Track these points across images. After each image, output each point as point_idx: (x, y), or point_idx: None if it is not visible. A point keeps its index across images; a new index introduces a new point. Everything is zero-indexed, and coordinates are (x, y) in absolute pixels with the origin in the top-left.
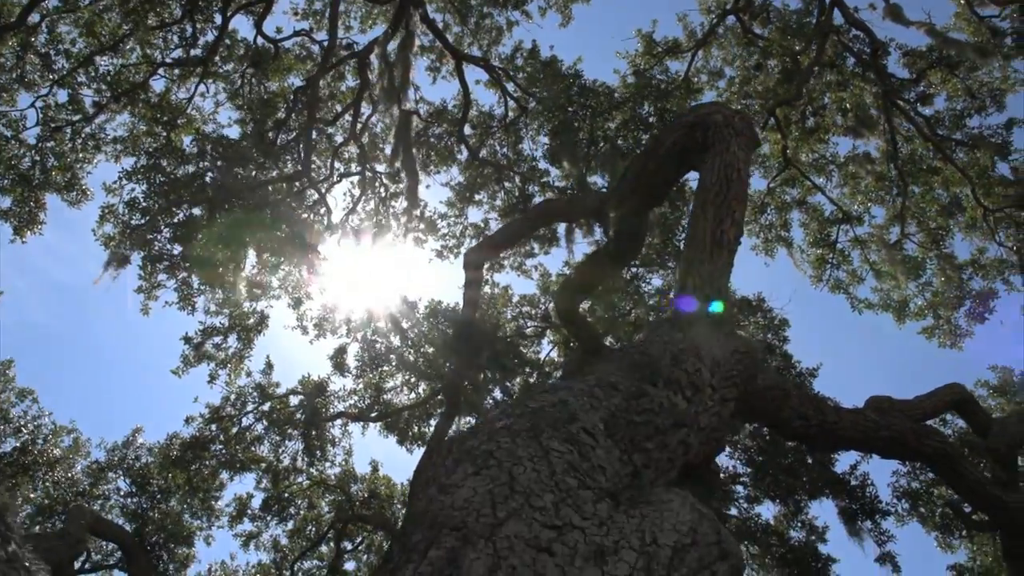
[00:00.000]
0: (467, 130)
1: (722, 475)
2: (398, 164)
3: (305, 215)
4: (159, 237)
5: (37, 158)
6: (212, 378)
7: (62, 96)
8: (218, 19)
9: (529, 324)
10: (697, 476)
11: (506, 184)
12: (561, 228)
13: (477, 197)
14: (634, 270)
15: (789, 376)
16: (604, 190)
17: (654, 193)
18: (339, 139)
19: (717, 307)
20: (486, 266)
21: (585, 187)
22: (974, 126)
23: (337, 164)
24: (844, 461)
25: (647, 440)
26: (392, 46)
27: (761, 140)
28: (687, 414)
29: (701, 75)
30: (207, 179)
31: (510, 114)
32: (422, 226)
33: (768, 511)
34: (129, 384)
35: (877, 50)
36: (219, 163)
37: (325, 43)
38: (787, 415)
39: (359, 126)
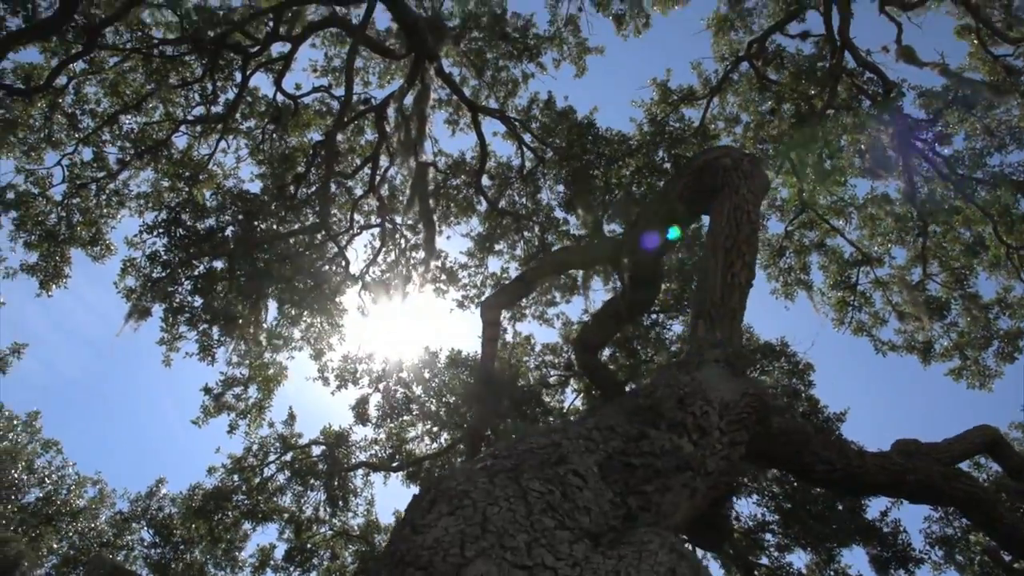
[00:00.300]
0: (485, 181)
1: (751, 523)
2: (415, 215)
3: (325, 267)
4: (180, 289)
5: (63, 214)
6: (232, 428)
7: (87, 154)
8: (238, 77)
9: (552, 373)
10: (707, 521)
11: (525, 233)
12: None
13: (497, 247)
14: (654, 316)
15: (816, 421)
16: (619, 237)
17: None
18: (359, 192)
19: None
20: (506, 315)
21: (600, 234)
22: (995, 164)
23: (357, 217)
24: (875, 507)
25: (645, 483)
26: (408, 99)
27: (772, 183)
28: (693, 457)
29: (718, 122)
30: (227, 232)
31: (527, 164)
32: (443, 276)
33: (800, 560)
34: (155, 436)
35: (890, 91)
36: (239, 216)
37: (337, 95)
38: (809, 460)
39: (378, 179)
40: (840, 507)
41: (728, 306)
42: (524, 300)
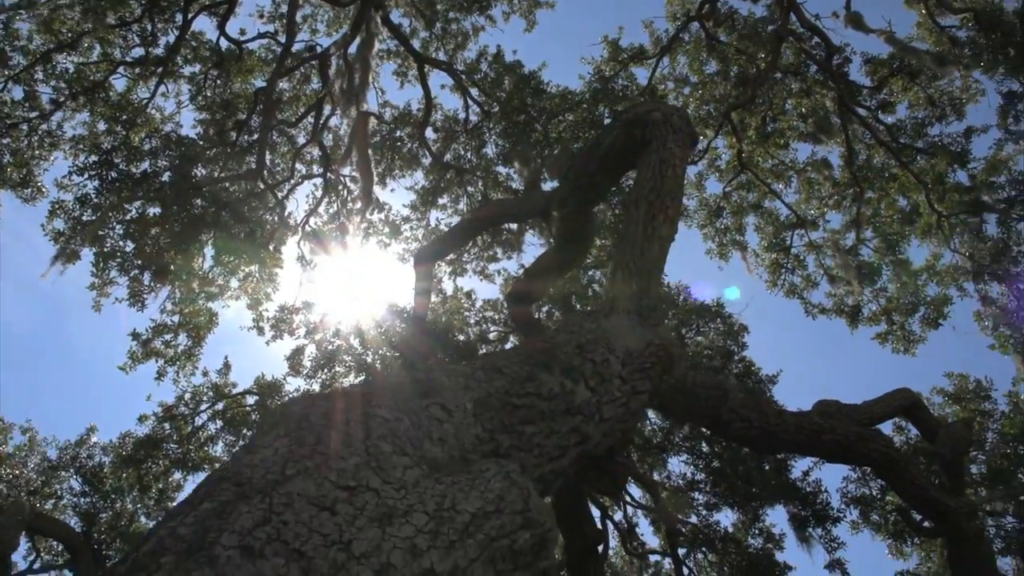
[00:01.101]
0: (431, 134)
1: (681, 482)
2: (354, 165)
3: (265, 216)
4: (111, 234)
5: None
6: (160, 375)
7: (18, 93)
8: (179, 19)
9: (492, 328)
10: (602, 467)
11: (469, 188)
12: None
13: (440, 201)
14: (591, 272)
15: (750, 383)
16: (551, 191)
17: (596, 192)
18: (302, 141)
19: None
20: (446, 269)
21: (536, 188)
22: (934, 134)
23: (299, 166)
24: (799, 468)
25: (526, 423)
26: (354, 48)
27: (701, 137)
28: (588, 403)
29: (667, 82)
30: (162, 177)
31: (473, 118)
32: (386, 229)
33: (727, 518)
34: (91, 383)
35: (833, 54)
36: (175, 161)
37: (292, 45)
38: (727, 417)
39: (321, 128)
40: (767, 467)
41: (647, 258)
42: (465, 255)
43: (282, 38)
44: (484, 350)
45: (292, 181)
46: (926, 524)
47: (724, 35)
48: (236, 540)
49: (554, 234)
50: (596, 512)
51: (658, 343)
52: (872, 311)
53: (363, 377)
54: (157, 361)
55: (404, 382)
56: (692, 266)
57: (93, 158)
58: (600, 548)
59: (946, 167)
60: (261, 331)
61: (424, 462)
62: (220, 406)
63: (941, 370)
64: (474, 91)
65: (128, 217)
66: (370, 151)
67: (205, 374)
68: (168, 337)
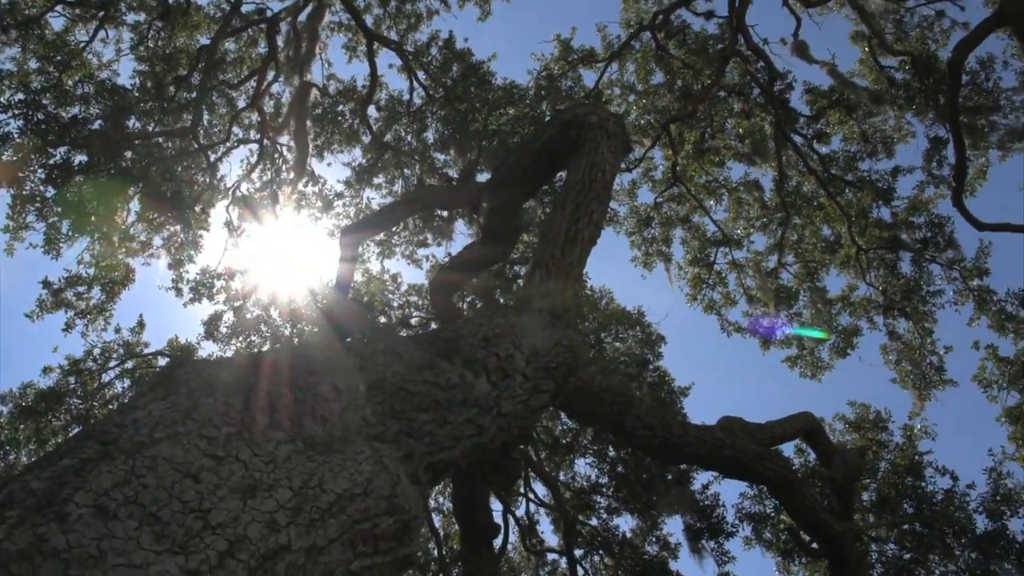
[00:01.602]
0: (373, 112)
1: (585, 484)
2: (291, 134)
3: (197, 176)
4: (32, 177)
5: None
6: (68, 327)
7: None
8: None
9: (415, 314)
10: (496, 462)
11: (406, 171)
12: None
13: (376, 180)
14: (517, 268)
15: (662, 393)
16: (482, 182)
17: (527, 187)
18: (242, 104)
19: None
20: (375, 249)
21: (470, 178)
22: (864, 169)
23: (237, 130)
24: (699, 481)
25: (419, 411)
26: (304, 17)
27: (638, 146)
28: (486, 396)
29: (615, 88)
30: (93, 125)
31: (418, 101)
32: (319, 203)
33: (626, 524)
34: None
35: (775, 79)
36: (108, 110)
37: (241, 3)
38: (632, 424)
39: (262, 94)
40: (669, 477)
41: (567, 259)
42: (395, 237)
43: None
44: (404, 334)
45: (227, 144)
46: (814, 545)
47: (674, 48)
48: (91, 499)
49: (482, 225)
50: (499, 506)
51: (566, 344)
52: (785, 334)
53: (272, 347)
54: (67, 312)
55: (299, 357)
56: (615, 272)
57: (20, 96)
58: (497, 542)
59: (871, 202)
60: (180, 292)
61: (300, 439)
62: (130, 365)
63: (845, 398)
64: (421, 75)
65: (52, 162)
66: (309, 122)
67: (117, 331)
68: (81, 289)
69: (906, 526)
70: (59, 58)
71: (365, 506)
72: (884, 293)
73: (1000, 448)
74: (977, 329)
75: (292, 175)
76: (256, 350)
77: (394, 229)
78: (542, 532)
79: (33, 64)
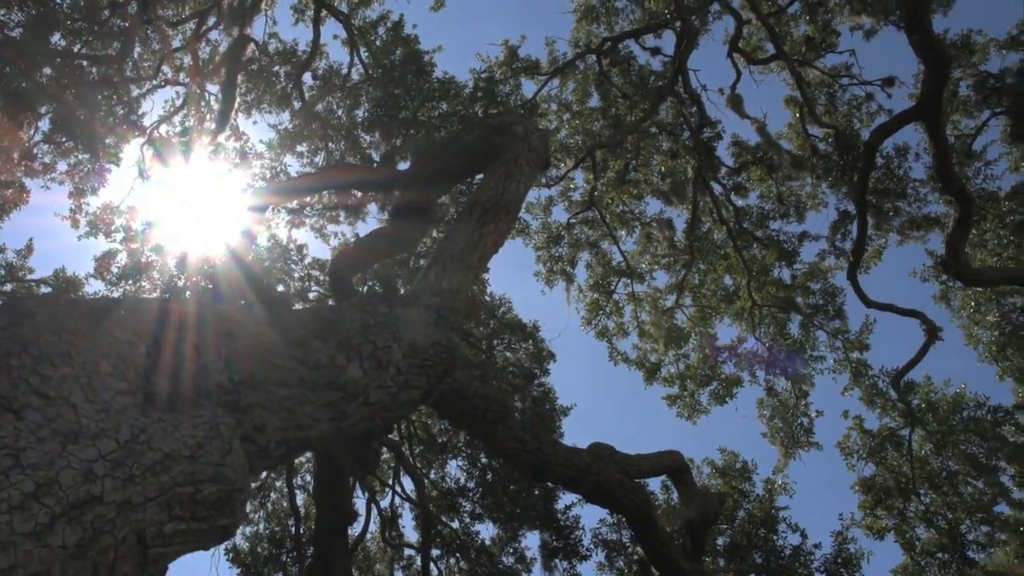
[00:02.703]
0: (310, 81)
1: (453, 485)
2: (220, 84)
3: (116, 109)
4: None
5: None
6: None
7: None
8: None
9: (314, 288)
10: (354, 448)
11: (331, 145)
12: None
13: (299, 148)
14: (422, 262)
15: (544, 408)
16: (399, 170)
17: (443, 183)
18: (176, 44)
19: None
20: (285, 217)
21: (390, 164)
22: (774, 228)
23: (166, 69)
24: (564, 500)
25: (280, 385)
26: None
27: (560, 164)
28: (355, 382)
29: (551, 103)
30: (11, 32)
31: (356, 78)
32: (236, 159)
33: (487, 531)
34: None
35: (704, 125)
36: (31, 19)
37: None
38: (503, 434)
39: (199, 38)
40: (536, 492)
41: (466, 262)
42: (307, 209)
43: None
44: (297, 307)
45: (154, 82)
46: None
47: (616, 76)
48: None
49: (391, 211)
50: (364, 495)
51: (445, 344)
52: (670, 373)
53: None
54: None
55: (169, 311)
56: (518, 283)
57: None
58: (356, 530)
59: (774, 261)
60: (76, 224)
61: (143, 393)
62: (9, 287)
63: (717, 443)
64: (365, 52)
65: None
66: (241, 76)
67: (1, 250)
68: None
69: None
70: None
71: (190, 469)
72: (769, 350)
73: (850, 514)
74: (849, 399)
75: (214, 125)
76: (138, 295)
77: (307, 200)
78: (403, 527)
79: None
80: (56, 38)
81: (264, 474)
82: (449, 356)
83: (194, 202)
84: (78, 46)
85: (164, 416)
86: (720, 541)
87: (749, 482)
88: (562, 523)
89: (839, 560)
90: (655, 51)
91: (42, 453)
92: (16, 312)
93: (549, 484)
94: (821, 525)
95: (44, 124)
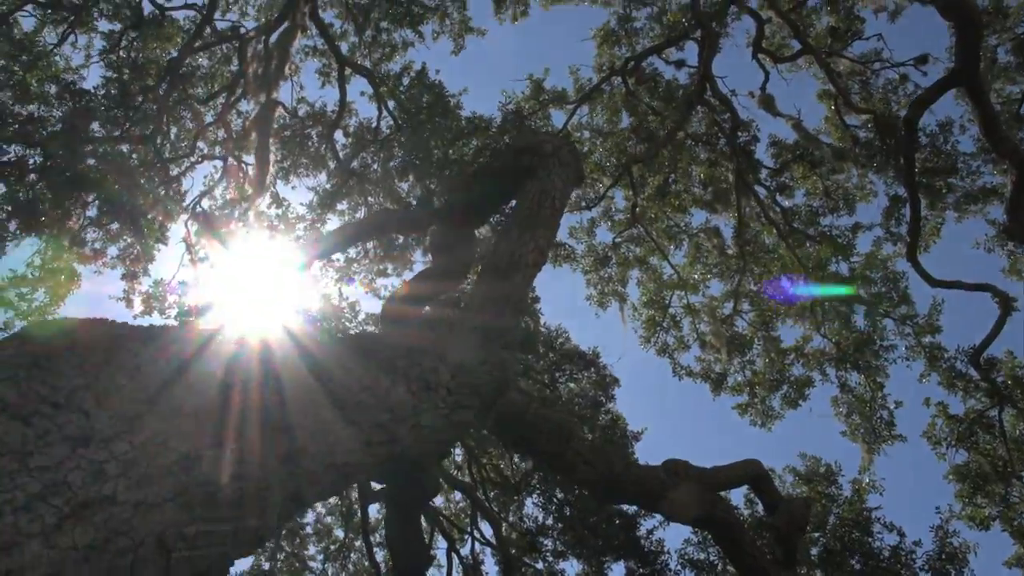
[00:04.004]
0: (342, 138)
1: (532, 525)
2: (253, 151)
3: (159, 189)
4: None
5: None
6: (6, 327)
7: None
8: None
9: None
10: (410, 475)
11: (370, 199)
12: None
13: (340, 206)
14: None
15: (615, 436)
16: (433, 207)
17: (480, 212)
18: (209, 119)
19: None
20: (333, 276)
21: (425, 204)
22: (825, 224)
23: (202, 145)
24: (645, 526)
25: (317, 407)
26: (276, 36)
27: (599, 184)
28: (403, 404)
29: (584, 131)
30: (52, 125)
31: (386, 130)
32: (280, 225)
33: (572, 568)
34: None
35: (738, 128)
36: (69, 110)
37: (212, 18)
38: (572, 459)
39: (229, 110)
40: (616, 522)
41: (508, 283)
42: (355, 265)
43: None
44: None
45: (192, 159)
46: None
47: (645, 95)
48: None
49: (430, 248)
50: (443, 544)
51: (493, 362)
52: (737, 381)
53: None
54: (6, 312)
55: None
56: (570, 309)
57: None
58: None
59: (829, 256)
60: (130, 304)
61: (161, 401)
62: None
63: (795, 449)
64: (392, 104)
65: (5, 159)
66: (272, 141)
67: None
68: (25, 290)
69: None
70: (25, 58)
71: (210, 468)
72: (837, 346)
73: (947, 507)
74: (927, 386)
75: (252, 192)
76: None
77: (354, 257)
78: (487, 572)
79: None
80: (95, 126)
81: (343, 534)
82: (500, 373)
83: (243, 269)
84: (116, 132)
85: (180, 421)
86: (814, 551)
87: (836, 485)
88: (646, 549)
89: (943, 556)
90: (680, 63)
91: (50, 456)
92: (28, 334)
93: (629, 511)
94: (918, 521)
95: (91, 211)
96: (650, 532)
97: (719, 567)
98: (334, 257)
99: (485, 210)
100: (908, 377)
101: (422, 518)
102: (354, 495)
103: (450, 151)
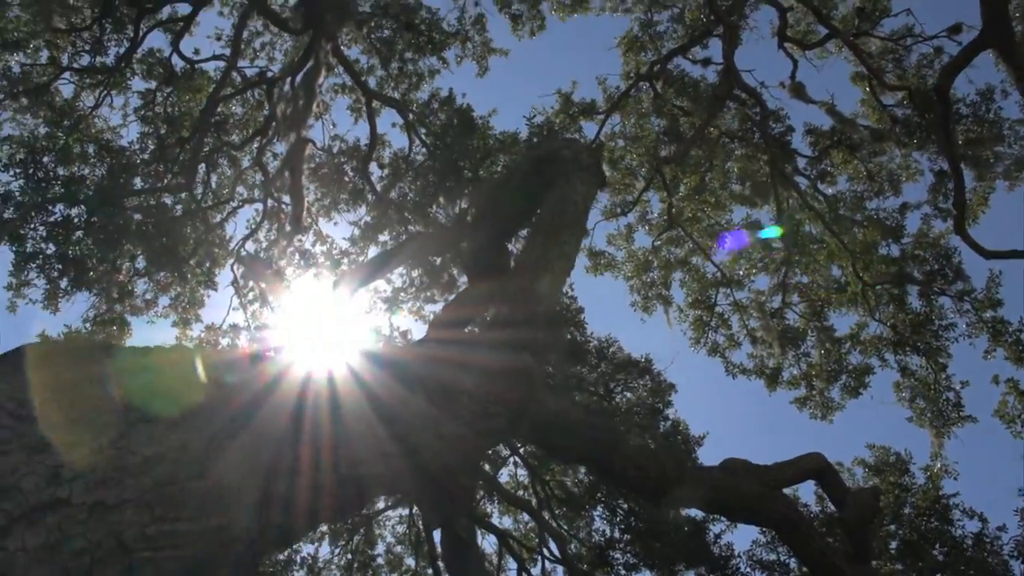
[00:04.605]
0: (377, 170)
1: (600, 539)
2: (287, 190)
3: (204, 236)
4: (32, 234)
5: None
6: None
7: None
8: (131, 31)
9: None
10: (441, 486)
11: (410, 227)
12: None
13: (381, 238)
14: None
15: (677, 441)
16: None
17: (507, 225)
18: (246, 164)
19: None
20: (382, 307)
21: (459, 224)
22: (872, 208)
23: (242, 189)
24: (713, 530)
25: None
26: (301, 75)
27: (622, 188)
28: (423, 415)
29: (618, 140)
30: (89, 181)
31: (420, 158)
32: (327, 262)
33: None
34: None
35: (767, 118)
36: (108, 167)
37: (241, 67)
38: (620, 464)
39: (263, 152)
40: (685, 529)
41: (536, 289)
42: (402, 294)
43: (239, 63)
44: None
45: (233, 204)
46: None
47: (674, 97)
48: None
49: (466, 267)
50: (513, 564)
51: (518, 366)
52: (793, 375)
53: None
54: None
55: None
56: (615, 318)
57: (21, 155)
58: None
59: (878, 240)
60: None
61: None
62: None
63: (859, 441)
64: (424, 132)
65: (52, 219)
66: (308, 179)
67: None
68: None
69: (938, 574)
70: (67, 123)
71: (173, 470)
72: (894, 329)
73: None
74: (994, 362)
75: (289, 229)
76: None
77: (401, 286)
78: None
79: (42, 130)
80: (136, 181)
81: (414, 562)
82: (525, 378)
83: (292, 308)
84: (157, 184)
85: (150, 426)
86: (893, 545)
87: (908, 474)
88: (716, 554)
89: None
90: (706, 62)
91: (5, 463)
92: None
93: (698, 517)
94: (1001, 506)
95: (140, 263)
96: (717, 536)
97: (790, 566)
98: (380, 288)
99: (513, 222)
100: (973, 356)
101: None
102: (420, 523)
103: (479, 170)
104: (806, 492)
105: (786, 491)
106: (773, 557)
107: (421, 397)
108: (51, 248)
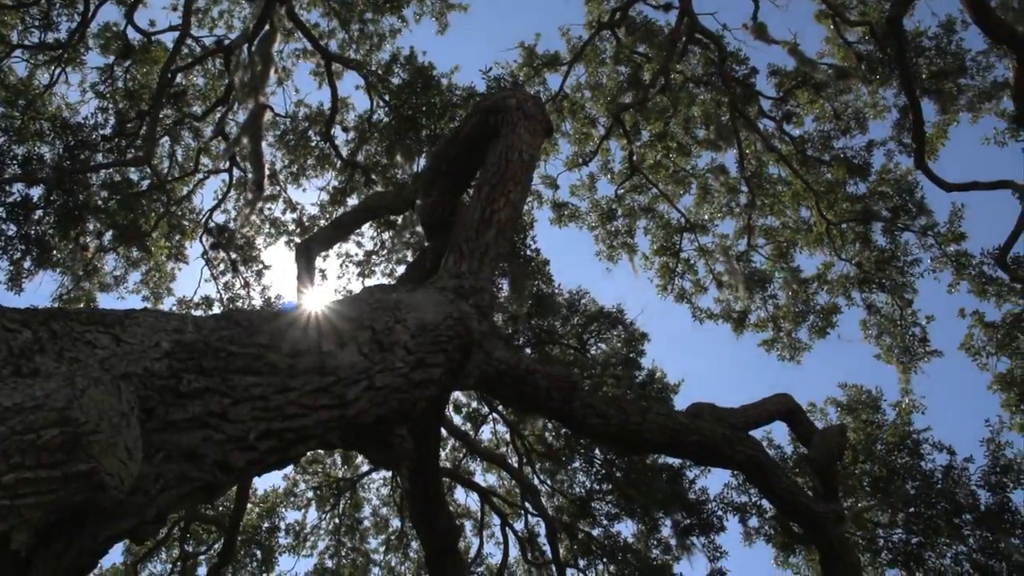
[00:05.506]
0: (343, 134)
1: (582, 492)
2: (247, 156)
3: (172, 209)
4: None
5: None
6: None
7: None
8: (80, 6)
9: None
10: (374, 437)
11: (377, 188)
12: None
13: (351, 201)
14: None
15: (653, 391)
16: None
17: (458, 180)
18: (209, 135)
19: None
20: (354, 271)
21: (416, 182)
22: (839, 147)
23: (207, 160)
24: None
25: (242, 373)
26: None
27: (568, 130)
28: (351, 367)
29: (585, 91)
30: (46, 159)
31: (384, 119)
32: (296, 228)
33: (627, 529)
34: None
35: (725, 59)
36: (63, 145)
37: (199, 36)
38: (581, 412)
39: (229, 123)
40: (663, 476)
41: (481, 242)
42: (374, 256)
43: (197, 32)
44: None
45: (199, 176)
46: (797, 530)
47: (640, 44)
48: None
49: (423, 224)
50: (496, 520)
51: (456, 316)
52: (760, 318)
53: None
54: None
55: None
56: (580, 268)
57: None
58: (459, 545)
59: (845, 179)
60: None
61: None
62: None
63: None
64: (385, 92)
65: (10, 200)
66: (269, 145)
67: None
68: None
69: (909, 507)
70: (22, 102)
71: (32, 418)
72: (859, 267)
73: (996, 417)
74: (958, 295)
75: (250, 196)
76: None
77: (372, 249)
78: (544, 545)
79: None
80: (99, 157)
81: (399, 523)
82: (464, 327)
83: (264, 276)
84: (118, 159)
85: (18, 380)
86: (867, 481)
87: (880, 412)
88: (692, 500)
89: (998, 469)
90: (667, 7)
91: None
92: None
93: (675, 464)
94: (968, 437)
95: (107, 240)
96: (691, 482)
97: (765, 507)
98: (351, 252)
99: (463, 176)
100: (937, 290)
101: (464, 496)
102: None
103: (438, 127)
104: (782, 434)
105: (759, 434)
106: (744, 500)
107: (351, 349)
108: (11, 229)
